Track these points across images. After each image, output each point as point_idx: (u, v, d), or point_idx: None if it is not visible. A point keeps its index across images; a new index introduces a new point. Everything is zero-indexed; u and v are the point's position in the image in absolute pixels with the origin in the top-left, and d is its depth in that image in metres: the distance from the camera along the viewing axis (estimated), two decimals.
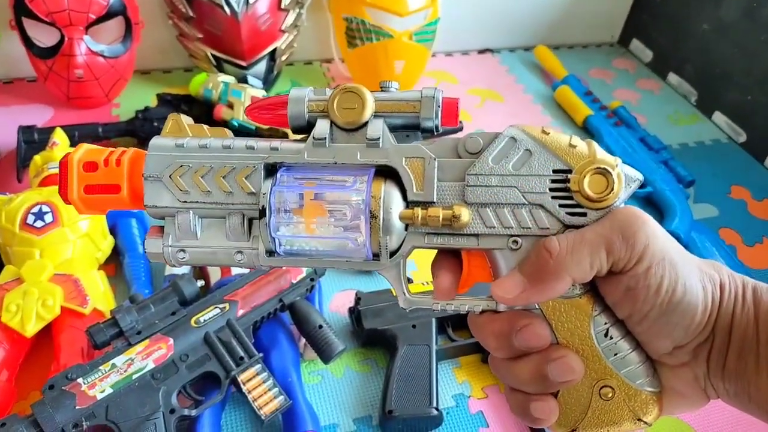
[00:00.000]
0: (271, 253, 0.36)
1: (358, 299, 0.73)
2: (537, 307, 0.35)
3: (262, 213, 0.34)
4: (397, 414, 0.64)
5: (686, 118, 1.23)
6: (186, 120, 0.37)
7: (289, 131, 1.00)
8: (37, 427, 0.54)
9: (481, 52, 1.39)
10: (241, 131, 0.94)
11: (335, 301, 0.79)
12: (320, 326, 0.67)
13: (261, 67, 1.10)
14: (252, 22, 1.04)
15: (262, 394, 0.61)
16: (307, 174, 0.35)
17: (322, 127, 0.35)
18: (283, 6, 1.06)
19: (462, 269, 0.37)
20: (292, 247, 0.36)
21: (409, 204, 0.35)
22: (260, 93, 0.99)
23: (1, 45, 1.00)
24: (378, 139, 0.35)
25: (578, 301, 0.35)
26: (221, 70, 1.09)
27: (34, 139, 0.91)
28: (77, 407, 0.55)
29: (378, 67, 1.12)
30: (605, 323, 0.35)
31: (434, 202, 0.35)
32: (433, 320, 0.72)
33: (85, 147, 0.37)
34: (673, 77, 1.32)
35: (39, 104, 1.09)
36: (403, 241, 0.35)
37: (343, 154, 0.35)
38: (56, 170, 0.80)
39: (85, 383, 0.57)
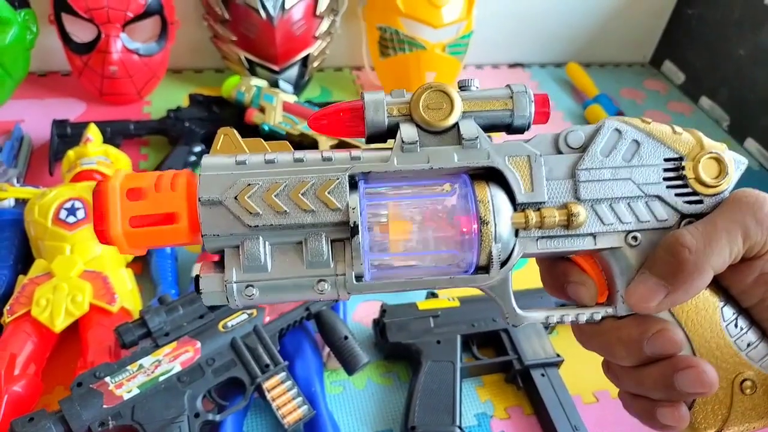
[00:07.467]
0: (359, 277, 0.32)
1: (383, 311, 0.73)
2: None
3: (354, 231, 0.31)
4: (419, 430, 0.63)
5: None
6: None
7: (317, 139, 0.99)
8: (64, 423, 0.54)
9: (512, 66, 1.38)
10: (271, 136, 0.95)
11: (359, 312, 0.79)
12: (345, 337, 0.67)
13: (293, 72, 1.11)
14: (287, 27, 1.04)
15: (287, 402, 0.61)
16: (395, 183, 0.33)
17: (408, 130, 0.32)
18: (318, 13, 1.06)
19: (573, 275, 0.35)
20: (385, 267, 0.32)
21: (517, 207, 0.32)
22: (291, 98, 1.00)
23: (39, 39, 1.01)
24: (476, 138, 0.32)
25: (703, 293, 0.33)
26: (253, 73, 1.09)
27: (67, 134, 0.92)
28: (104, 406, 0.56)
29: (409, 78, 1.12)
30: (733, 313, 0.33)
31: (545, 202, 0.32)
32: (458, 337, 0.71)
33: (123, 172, 0.33)
34: (705, 101, 1.30)
35: (72, 98, 1.09)
36: (512, 250, 0.32)
37: (438, 158, 0.32)
38: (90, 166, 0.81)
39: (112, 382, 0.57)
